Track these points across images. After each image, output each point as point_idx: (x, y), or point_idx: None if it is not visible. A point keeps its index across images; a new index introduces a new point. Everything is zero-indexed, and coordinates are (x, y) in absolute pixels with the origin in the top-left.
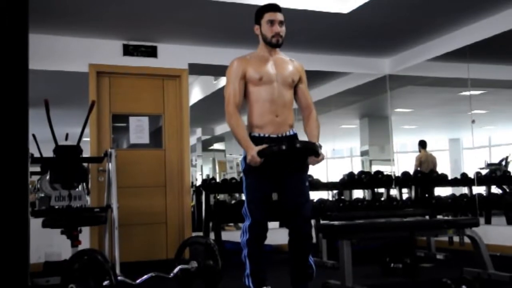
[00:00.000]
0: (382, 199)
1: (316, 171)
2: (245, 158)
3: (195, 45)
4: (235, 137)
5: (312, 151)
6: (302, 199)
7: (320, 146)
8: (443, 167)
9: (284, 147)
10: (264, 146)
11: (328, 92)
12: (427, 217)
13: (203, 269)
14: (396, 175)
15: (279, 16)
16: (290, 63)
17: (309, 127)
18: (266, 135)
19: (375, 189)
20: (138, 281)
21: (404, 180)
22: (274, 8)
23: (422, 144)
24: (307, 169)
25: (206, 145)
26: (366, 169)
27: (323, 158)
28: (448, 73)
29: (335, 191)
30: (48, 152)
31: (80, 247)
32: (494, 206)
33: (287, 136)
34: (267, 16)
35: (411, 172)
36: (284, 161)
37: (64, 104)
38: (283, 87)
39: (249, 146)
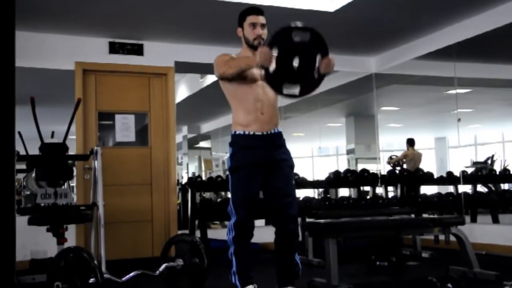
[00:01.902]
0: (368, 197)
1: (302, 169)
2: (231, 156)
3: (182, 43)
4: (239, 69)
5: (321, 41)
6: (289, 198)
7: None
8: (429, 165)
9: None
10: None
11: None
12: (412, 215)
13: (189, 267)
14: (382, 173)
15: (261, 19)
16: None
17: None
18: (251, 133)
19: (361, 188)
20: (124, 279)
21: (390, 178)
22: (256, 11)
23: (410, 142)
24: (293, 166)
25: (192, 143)
26: (352, 168)
27: (333, 59)
28: (434, 72)
29: (321, 190)
30: (34, 150)
31: (66, 245)
32: (480, 204)
33: (272, 134)
34: (249, 19)
35: (397, 170)
36: (269, 148)
37: (50, 101)
38: (267, 86)
39: (249, 58)
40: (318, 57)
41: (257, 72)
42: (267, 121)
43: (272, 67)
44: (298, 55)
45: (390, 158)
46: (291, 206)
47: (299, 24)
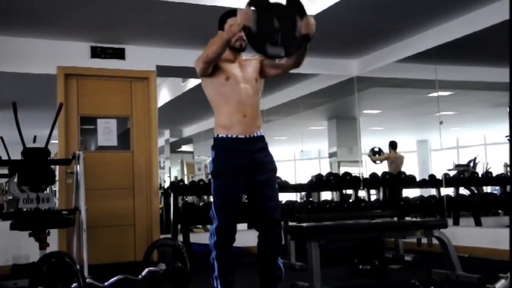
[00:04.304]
0: (350, 200)
1: (284, 172)
2: (213, 160)
3: (163, 47)
4: (222, 41)
5: (299, 4)
6: (272, 202)
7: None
8: (411, 168)
9: None
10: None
11: (296, 93)
12: (395, 218)
13: (172, 271)
14: (364, 176)
15: None
16: (253, 60)
17: None
18: (234, 136)
19: (343, 191)
20: (106, 283)
21: (372, 181)
22: (236, 13)
23: (393, 145)
24: (276, 170)
25: (174, 147)
26: (334, 171)
27: (312, 19)
28: (416, 75)
29: (303, 193)
30: (16, 155)
31: (48, 250)
32: (462, 207)
33: (255, 137)
34: (230, 21)
35: (379, 173)
36: (251, 151)
37: (32, 106)
38: (250, 89)
39: (231, 57)
40: (297, 19)
41: (239, 74)
42: (250, 124)
43: (253, 29)
44: (276, 15)
45: (372, 151)
46: (274, 210)
47: None
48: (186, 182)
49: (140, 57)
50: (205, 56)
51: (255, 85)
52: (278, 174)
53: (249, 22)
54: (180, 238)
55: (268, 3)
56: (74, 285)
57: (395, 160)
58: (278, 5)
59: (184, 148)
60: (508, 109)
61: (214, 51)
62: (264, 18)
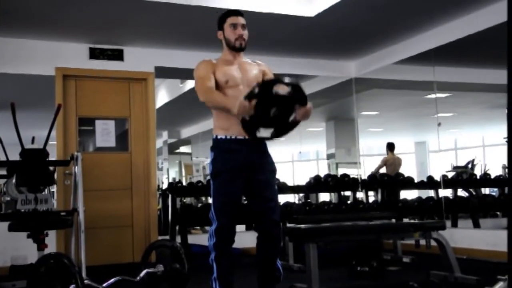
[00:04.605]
0: (349, 202)
1: (282, 174)
2: (212, 161)
3: (161, 48)
4: (218, 107)
5: (301, 94)
6: (271, 203)
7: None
8: (409, 170)
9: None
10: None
11: None
12: (393, 220)
13: (170, 272)
14: (362, 178)
15: (241, 20)
16: (256, 66)
17: None
18: (233, 137)
19: (342, 192)
20: (104, 284)
21: (370, 183)
22: (236, 12)
23: (390, 147)
24: (275, 171)
25: (172, 148)
26: (333, 172)
27: (311, 109)
28: (414, 76)
29: (301, 194)
30: (14, 156)
31: (47, 251)
32: (461, 209)
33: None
34: (230, 21)
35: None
36: (251, 155)
37: (31, 107)
38: (248, 89)
39: (230, 101)
40: (296, 105)
41: (238, 76)
42: None
43: (248, 117)
44: (276, 105)
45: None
46: (273, 211)
47: (286, 79)
48: (184, 183)
49: (139, 58)
50: (203, 100)
51: None
52: (276, 176)
53: (246, 115)
54: (178, 239)
55: (271, 94)
56: (72, 286)
57: (393, 162)
58: (281, 97)
59: (182, 149)
60: (506, 111)
61: (208, 106)
62: (263, 106)
